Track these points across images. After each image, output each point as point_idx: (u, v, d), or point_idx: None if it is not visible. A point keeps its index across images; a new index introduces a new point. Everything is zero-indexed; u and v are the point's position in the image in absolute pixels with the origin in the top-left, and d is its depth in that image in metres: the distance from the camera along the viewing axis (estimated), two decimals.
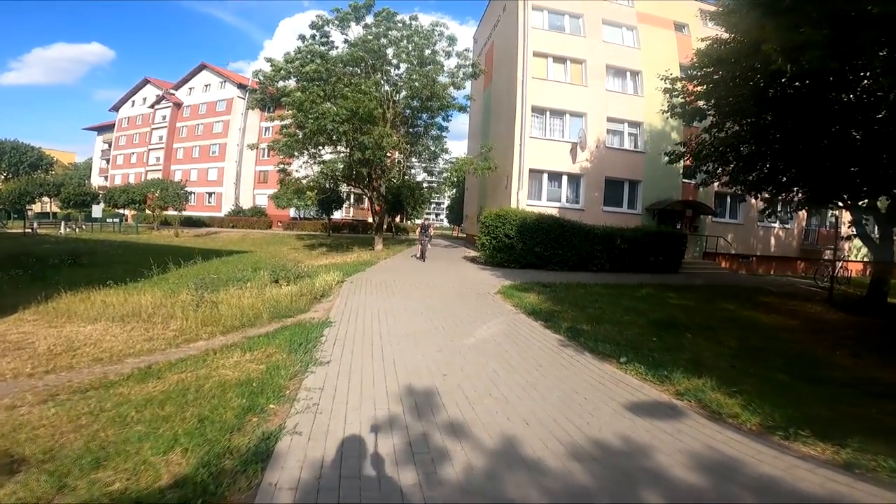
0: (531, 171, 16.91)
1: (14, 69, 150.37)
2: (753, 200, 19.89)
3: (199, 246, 21.43)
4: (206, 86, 47.43)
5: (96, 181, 53.63)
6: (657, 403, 3.84)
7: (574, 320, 6.51)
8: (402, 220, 45.17)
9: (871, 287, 10.49)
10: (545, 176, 17.29)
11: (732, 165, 10.84)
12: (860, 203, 10.38)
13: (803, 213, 19.12)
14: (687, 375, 4.33)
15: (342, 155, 17.75)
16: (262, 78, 16.96)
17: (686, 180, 18.85)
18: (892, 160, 8.36)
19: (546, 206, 16.45)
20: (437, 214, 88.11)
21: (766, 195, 11.58)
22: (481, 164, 16.53)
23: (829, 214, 22.18)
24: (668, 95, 11.70)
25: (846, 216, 22.66)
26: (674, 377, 4.31)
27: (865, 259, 23.70)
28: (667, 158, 12.92)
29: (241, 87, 43.89)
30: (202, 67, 47.97)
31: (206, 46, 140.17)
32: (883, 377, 4.81)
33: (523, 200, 16.51)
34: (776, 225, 20.91)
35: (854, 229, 11.29)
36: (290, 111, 15.58)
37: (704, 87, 10.33)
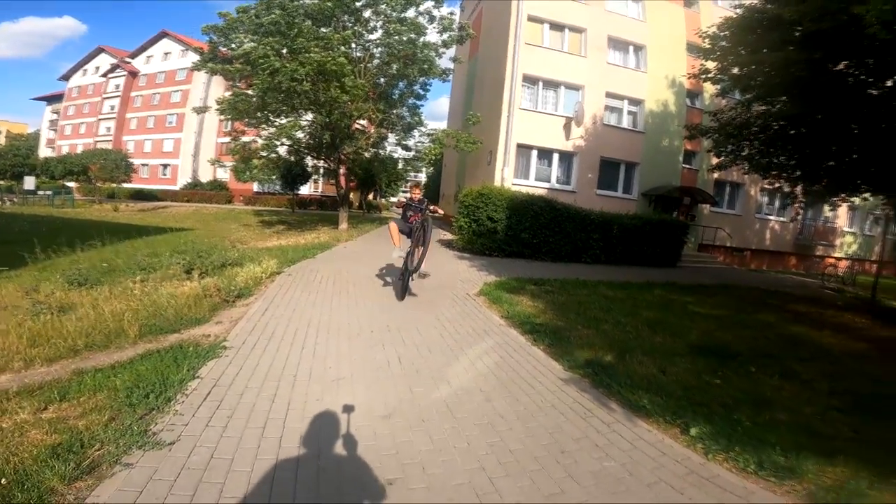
0: (519, 146, 14.80)
1: None
2: (754, 191, 18.69)
3: (135, 223, 18.59)
4: (166, 54, 43.17)
5: (44, 152, 48.97)
6: None
7: (590, 345, 4.56)
8: (374, 198, 42.50)
9: None
10: (534, 153, 15.24)
11: (764, 147, 9.05)
12: None
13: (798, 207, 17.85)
14: (810, 457, 2.57)
15: (304, 123, 15.18)
16: (213, 36, 14.14)
17: (686, 165, 17.23)
18: None
19: (533, 186, 14.42)
20: None
21: (793, 184, 9.91)
22: (464, 137, 14.30)
23: (826, 209, 21.16)
24: (702, 57, 9.66)
25: (840, 211, 22.01)
26: (795, 464, 2.52)
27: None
28: (687, 133, 11.05)
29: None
30: (163, 35, 43.51)
31: (186, 22, 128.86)
32: None
33: (509, 178, 14.43)
34: (772, 217, 19.67)
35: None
36: (238, 64, 12.92)
37: (733, 55, 8.50)
